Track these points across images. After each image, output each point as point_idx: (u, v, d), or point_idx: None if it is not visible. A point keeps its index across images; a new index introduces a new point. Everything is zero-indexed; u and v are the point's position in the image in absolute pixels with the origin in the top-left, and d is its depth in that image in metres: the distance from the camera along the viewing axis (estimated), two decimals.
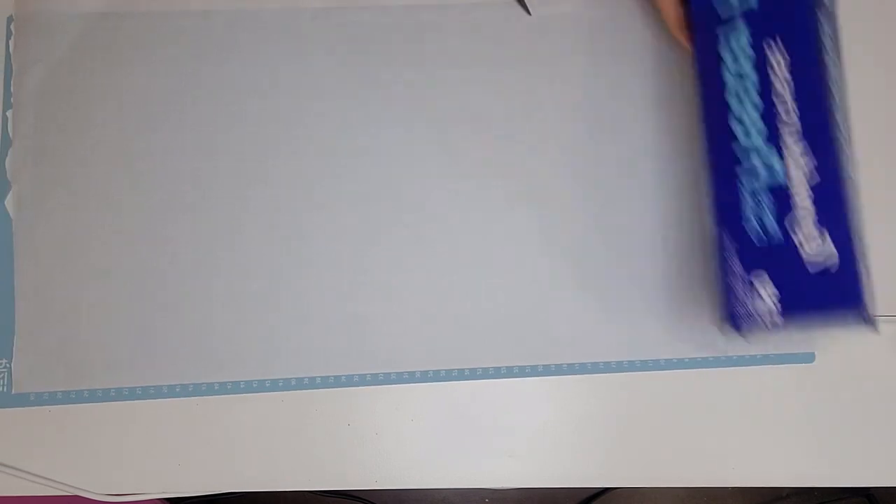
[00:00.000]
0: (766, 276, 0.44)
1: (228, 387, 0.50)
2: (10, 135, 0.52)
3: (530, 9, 0.54)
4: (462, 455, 0.50)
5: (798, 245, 0.43)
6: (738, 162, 0.45)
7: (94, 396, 0.50)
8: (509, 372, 0.51)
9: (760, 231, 0.44)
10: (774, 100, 0.44)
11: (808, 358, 0.51)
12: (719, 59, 0.46)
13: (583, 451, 0.50)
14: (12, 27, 0.54)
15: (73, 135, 0.52)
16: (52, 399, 0.49)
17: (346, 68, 0.54)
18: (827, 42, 0.44)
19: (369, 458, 0.50)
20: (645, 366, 0.51)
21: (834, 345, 0.52)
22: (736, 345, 0.51)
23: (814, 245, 0.43)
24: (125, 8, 0.54)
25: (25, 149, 0.52)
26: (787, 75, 0.44)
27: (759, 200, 0.44)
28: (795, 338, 0.51)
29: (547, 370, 0.51)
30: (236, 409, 0.50)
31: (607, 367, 0.51)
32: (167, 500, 0.57)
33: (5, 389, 0.50)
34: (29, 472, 0.49)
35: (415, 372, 0.51)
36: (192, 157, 0.52)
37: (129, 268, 0.51)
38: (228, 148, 0.53)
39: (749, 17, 0.45)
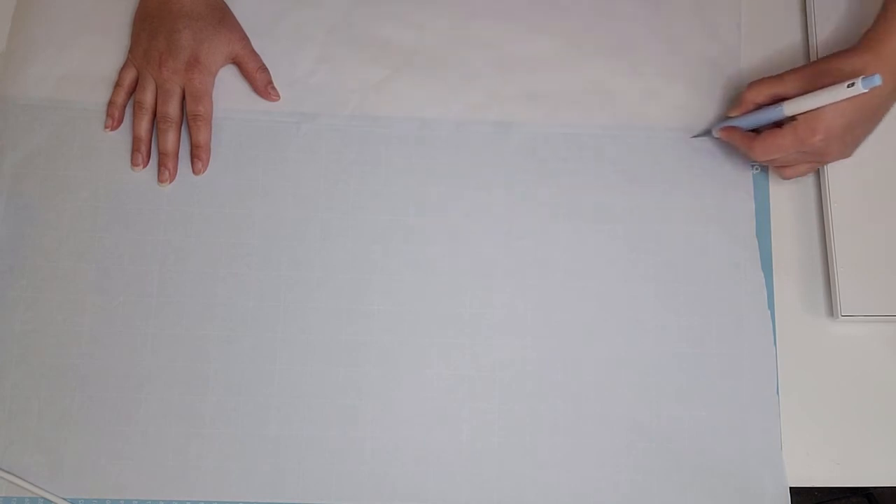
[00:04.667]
0: None
1: None
2: None
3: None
4: None
5: None
6: None
7: None
8: None
9: None
10: None
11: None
12: None
13: None
14: None
15: (43, 227, 0.51)
16: None
17: (328, 179, 0.53)
18: None
19: None
20: None
21: (834, 345, 0.52)
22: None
23: None
24: (104, 99, 0.54)
25: None
26: None
27: None
28: None
29: None
30: None
31: None
32: None
33: None
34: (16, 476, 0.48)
35: None
36: (161, 258, 0.51)
37: (84, 370, 0.49)
38: (198, 250, 0.51)
39: None
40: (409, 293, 0.51)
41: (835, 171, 0.52)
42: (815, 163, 0.50)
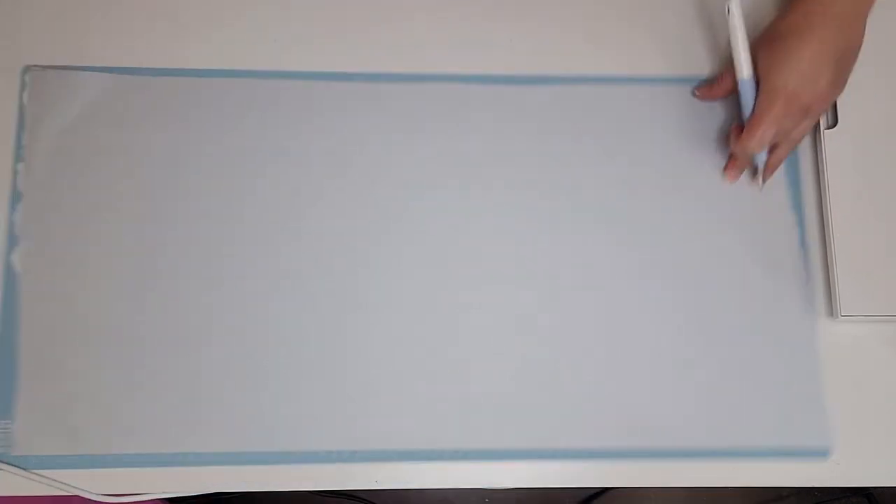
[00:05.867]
0: None
1: (229, 457, 0.49)
2: (21, 189, 0.51)
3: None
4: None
5: None
6: None
7: (94, 462, 0.48)
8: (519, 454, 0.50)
9: None
10: None
11: (823, 453, 0.50)
12: None
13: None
14: (27, 78, 0.53)
15: (83, 193, 0.51)
16: (52, 463, 0.48)
17: (364, 136, 0.53)
18: None
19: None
20: (659, 453, 0.50)
21: (834, 345, 0.52)
22: (751, 436, 0.50)
23: None
24: (145, 64, 0.54)
25: (34, 204, 0.51)
26: None
27: None
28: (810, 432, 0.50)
29: (559, 453, 0.50)
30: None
31: (607, 454, 0.50)
32: (167, 500, 0.57)
33: (7, 451, 0.48)
34: (28, 471, 0.48)
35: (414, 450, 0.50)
36: (199, 224, 0.51)
37: (131, 333, 0.50)
38: (236, 214, 0.52)
39: None
40: (437, 241, 0.52)
41: (835, 171, 0.53)
42: (806, 122, 0.50)
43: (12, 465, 0.48)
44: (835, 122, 0.53)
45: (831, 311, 0.52)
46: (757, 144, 0.49)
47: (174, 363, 0.49)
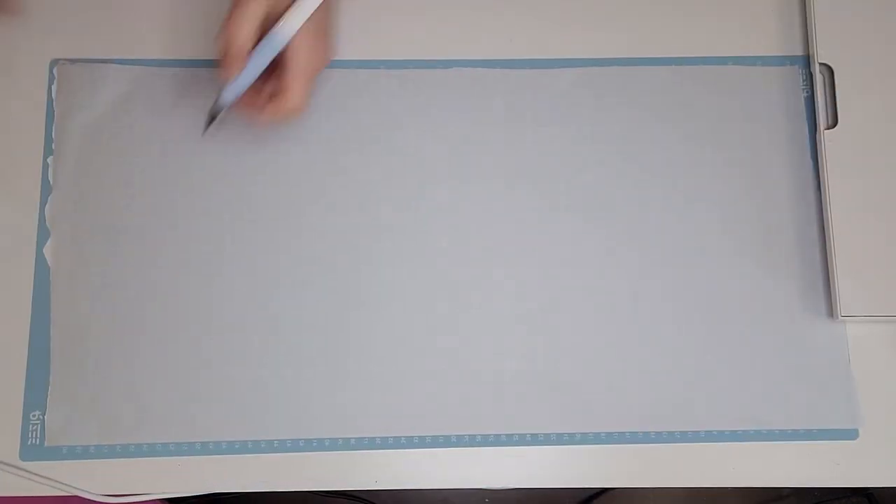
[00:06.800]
0: None
1: (262, 446, 0.49)
2: (51, 181, 0.52)
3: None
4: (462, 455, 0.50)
5: None
6: None
7: (126, 451, 0.49)
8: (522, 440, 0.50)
9: None
10: None
11: (852, 434, 0.50)
12: None
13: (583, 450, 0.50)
14: (55, 71, 0.53)
15: (114, 185, 0.52)
16: (84, 453, 0.49)
17: (400, 125, 0.53)
18: None
19: (369, 459, 0.50)
20: (684, 437, 0.50)
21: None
22: (776, 417, 0.50)
23: None
24: (172, 56, 0.54)
25: (65, 196, 0.51)
26: None
27: None
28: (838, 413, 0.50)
29: (571, 439, 0.50)
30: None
31: (633, 438, 0.50)
32: (167, 500, 0.57)
33: (39, 442, 0.49)
34: (28, 472, 0.49)
35: (420, 437, 0.50)
36: (233, 213, 0.51)
37: (164, 323, 0.50)
38: (268, 203, 0.52)
39: None
40: (443, 234, 0.52)
41: (835, 171, 0.53)
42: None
43: (46, 459, 0.48)
44: (835, 123, 0.53)
45: (831, 311, 0.52)
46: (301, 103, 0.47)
47: (208, 352, 0.50)
